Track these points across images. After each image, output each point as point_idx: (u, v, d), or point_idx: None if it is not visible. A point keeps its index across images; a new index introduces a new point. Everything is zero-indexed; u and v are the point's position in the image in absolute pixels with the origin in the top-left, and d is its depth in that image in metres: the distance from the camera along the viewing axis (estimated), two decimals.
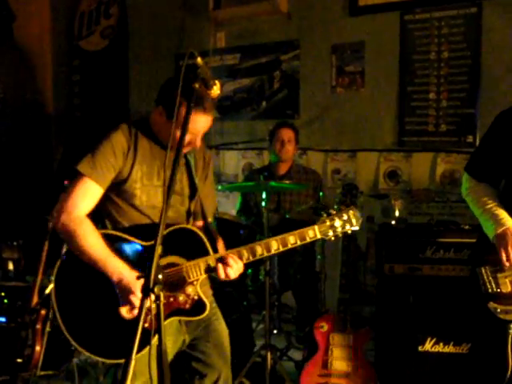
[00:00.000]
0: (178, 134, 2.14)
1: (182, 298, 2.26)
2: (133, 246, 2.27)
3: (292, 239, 2.35)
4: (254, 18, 5.57)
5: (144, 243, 2.27)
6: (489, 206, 2.64)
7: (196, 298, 2.27)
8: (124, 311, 2.14)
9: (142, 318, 1.55)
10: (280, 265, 3.97)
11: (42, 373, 3.72)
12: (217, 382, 2.50)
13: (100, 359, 2.41)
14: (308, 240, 2.38)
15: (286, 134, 4.45)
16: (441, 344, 3.46)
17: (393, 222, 3.82)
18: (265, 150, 5.43)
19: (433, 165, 4.94)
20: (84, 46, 6.56)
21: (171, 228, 2.28)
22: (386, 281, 3.58)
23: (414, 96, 4.99)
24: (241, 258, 2.30)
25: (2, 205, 5.61)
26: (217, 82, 2.01)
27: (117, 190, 2.35)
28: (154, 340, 1.69)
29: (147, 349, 1.71)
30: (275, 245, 2.33)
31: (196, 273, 2.26)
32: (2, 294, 4.09)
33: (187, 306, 2.26)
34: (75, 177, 2.29)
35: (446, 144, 4.90)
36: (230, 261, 2.26)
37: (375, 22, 5.08)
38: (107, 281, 2.17)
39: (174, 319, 2.32)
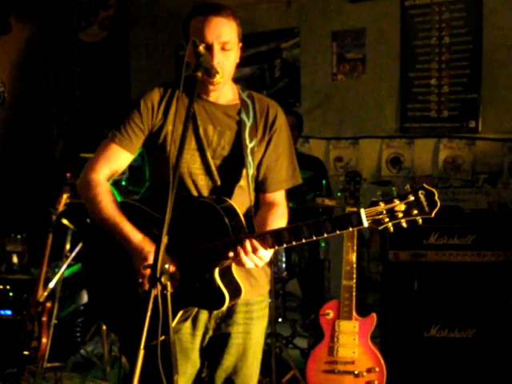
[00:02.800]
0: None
1: (198, 284, 1.95)
2: (147, 220, 2.03)
3: (329, 226, 1.84)
4: (254, 7, 5.54)
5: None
6: None
7: (214, 286, 1.93)
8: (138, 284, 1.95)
9: (150, 308, 1.54)
10: (285, 253, 3.97)
11: (49, 365, 3.74)
12: None
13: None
14: (350, 229, 1.83)
15: (289, 120, 4.45)
16: (446, 329, 3.47)
17: None
18: None
19: (435, 151, 4.94)
20: (83, 38, 6.53)
21: (187, 203, 2.00)
22: (391, 267, 3.58)
23: (415, 82, 4.97)
24: (264, 244, 1.90)
25: (5, 198, 5.61)
26: (219, 70, 1.97)
27: (150, 153, 2.15)
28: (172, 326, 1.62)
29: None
30: (306, 232, 1.86)
31: (210, 257, 1.93)
32: (7, 287, 4.10)
33: (203, 294, 1.95)
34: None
35: (449, 130, 4.89)
36: (247, 246, 1.87)
37: (375, 8, 5.06)
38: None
39: (203, 312, 2.11)
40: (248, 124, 2.13)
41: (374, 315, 3.24)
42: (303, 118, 4.75)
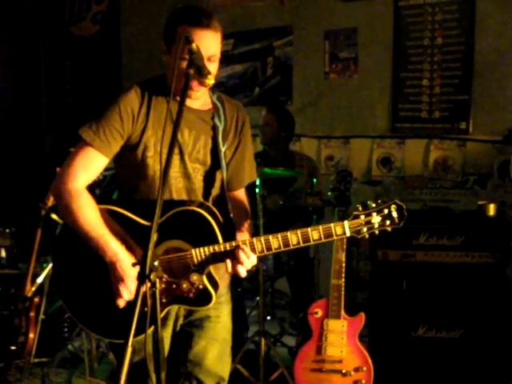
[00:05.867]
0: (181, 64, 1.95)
1: (185, 285, 2.04)
2: (132, 225, 2.05)
3: (315, 235, 2.03)
4: (247, 4, 5.53)
5: (146, 223, 2.02)
6: None
7: (201, 287, 2.05)
8: (116, 297, 2.00)
9: (138, 305, 1.53)
10: None
11: (36, 360, 3.73)
12: None
13: (100, 337, 2.33)
14: (335, 237, 2.05)
15: (265, 117, 4.49)
16: (433, 330, 3.48)
17: None
18: (258, 137, 5.42)
19: (426, 151, 4.96)
20: (75, 32, 6.51)
21: (177, 210, 2.05)
22: (380, 267, 3.59)
23: (407, 82, 4.98)
24: (254, 250, 2.02)
25: None
26: (211, 71, 1.98)
27: (127, 158, 2.12)
28: (151, 328, 1.65)
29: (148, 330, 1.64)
30: (295, 239, 2.04)
31: (202, 261, 2.03)
32: None
33: (191, 294, 2.05)
34: (78, 142, 2.07)
35: (440, 130, 4.90)
36: (241, 256, 1.99)
37: (369, 8, 5.06)
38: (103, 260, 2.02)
39: (175, 306, 2.18)
40: (220, 128, 2.20)
41: (363, 314, 3.25)
42: (294, 116, 4.74)
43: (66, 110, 6.56)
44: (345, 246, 3.26)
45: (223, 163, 2.20)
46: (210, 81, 1.98)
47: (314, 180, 4.37)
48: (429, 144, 4.94)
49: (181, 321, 2.26)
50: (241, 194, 2.39)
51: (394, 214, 2.09)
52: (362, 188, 4.79)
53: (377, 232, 2.11)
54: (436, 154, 4.91)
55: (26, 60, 6.30)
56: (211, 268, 2.09)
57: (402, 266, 3.54)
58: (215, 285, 2.11)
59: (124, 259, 1.97)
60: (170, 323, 2.22)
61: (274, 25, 5.51)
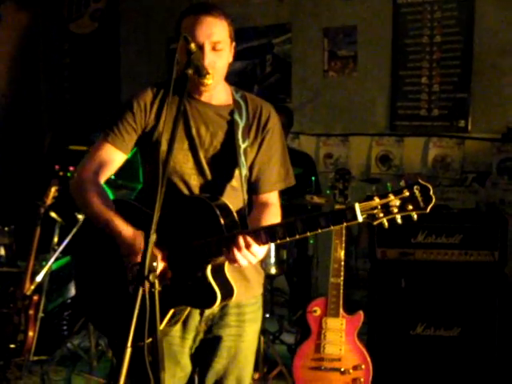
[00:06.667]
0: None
1: (190, 282, 1.92)
2: (141, 218, 1.95)
3: (323, 221, 1.80)
4: (246, 2, 5.52)
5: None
6: None
7: (205, 284, 1.90)
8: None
9: (137, 306, 1.53)
10: (274, 248, 3.97)
11: (35, 358, 3.74)
12: None
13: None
14: (345, 223, 1.77)
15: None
16: (432, 328, 3.49)
17: None
18: None
19: (425, 149, 4.96)
20: (74, 29, 6.50)
21: (182, 199, 2.01)
22: (378, 265, 3.60)
23: (406, 80, 4.98)
24: (257, 240, 1.85)
25: None
26: (210, 70, 1.95)
27: (144, 154, 2.15)
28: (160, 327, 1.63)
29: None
30: (300, 226, 1.81)
31: (205, 254, 1.91)
32: None
33: (195, 292, 1.92)
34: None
35: (438, 128, 4.91)
36: (240, 242, 1.83)
37: (368, 6, 5.06)
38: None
39: (195, 315, 2.08)
40: (241, 124, 2.11)
41: (361, 313, 3.26)
42: (293, 113, 4.74)
43: (65, 107, 6.56)
44: (343, 245, 3.27)
45: (242, 159, 2.10)
46: (209, 80, 1.94)
47: (313, 178, 4.37)
48: (428, 142, 4.94)
49: (201, 335, 2.14)
50: (270, 198, 2.21)
51: (418, 197, 1.71)
52: (360, 186, 4.79)
53: (399, 219, 1.73)
54: (435, 152, 4.91)
55: (25, 57, 6.29)
56: (227, 273, 1.98)
57: (400, 264, 3.55)
58: (226, 288, 1.96)
59: (129, 239, 1.93)
60: (190, 337, 2.12)
61: (273, 22, 5.50)
